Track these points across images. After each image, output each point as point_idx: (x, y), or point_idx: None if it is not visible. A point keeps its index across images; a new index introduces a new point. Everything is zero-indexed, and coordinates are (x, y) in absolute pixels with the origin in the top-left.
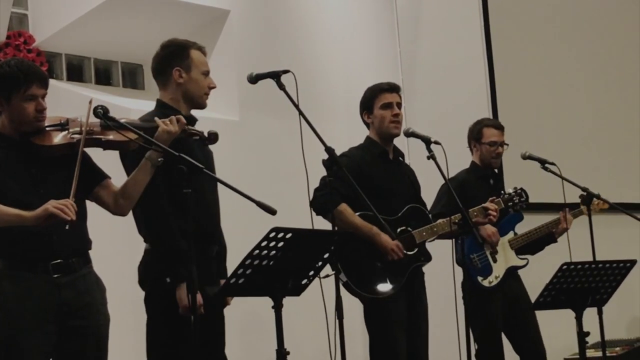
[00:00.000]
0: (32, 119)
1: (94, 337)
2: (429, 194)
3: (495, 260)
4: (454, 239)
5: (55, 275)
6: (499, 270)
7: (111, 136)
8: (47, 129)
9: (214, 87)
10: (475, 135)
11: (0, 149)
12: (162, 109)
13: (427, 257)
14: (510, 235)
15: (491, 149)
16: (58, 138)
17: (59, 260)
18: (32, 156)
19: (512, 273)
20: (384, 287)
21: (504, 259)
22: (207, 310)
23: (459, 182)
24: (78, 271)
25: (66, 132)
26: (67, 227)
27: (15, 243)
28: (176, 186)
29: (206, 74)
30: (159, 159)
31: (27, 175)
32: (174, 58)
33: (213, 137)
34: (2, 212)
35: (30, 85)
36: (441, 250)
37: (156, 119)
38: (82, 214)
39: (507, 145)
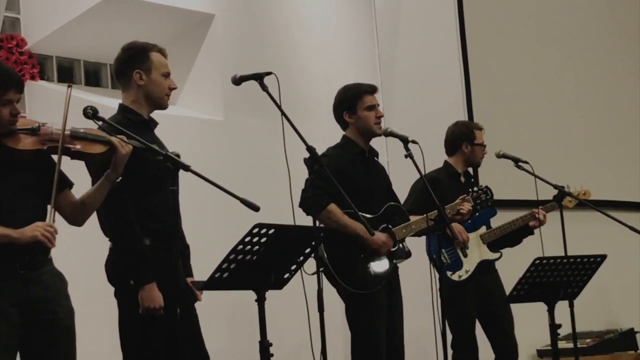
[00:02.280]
0: (6, 122)
1: (61, 329)
2: (405, 191)
3: (465, 255)
4: (426, 236)
5: (22, 272)
6: (469, 264)
7: (79, 146)
8: (19, 132)
9: (174, 88)
10: (467, 136)
11: None
12: (125, 113)
13: (407, 254)
14: (482, 229)
15: (482, 149)
16: (29, 143)
17: (26, 257)
18: (1, 157)
19: (487, 266)
20: (370, 282)
21: (477, 253)
22: (176, 306)
23: (430, 180)
24: (43, 267)
25: (37, 137)
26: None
27: None
28: (140, 188)
29: (166, 75)
30: (118, 179)
31: None
32: (135, 60)
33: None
34: None
35: (7, 91)
36: (419, 246)
37: (113, 139)
38: (45, 211)
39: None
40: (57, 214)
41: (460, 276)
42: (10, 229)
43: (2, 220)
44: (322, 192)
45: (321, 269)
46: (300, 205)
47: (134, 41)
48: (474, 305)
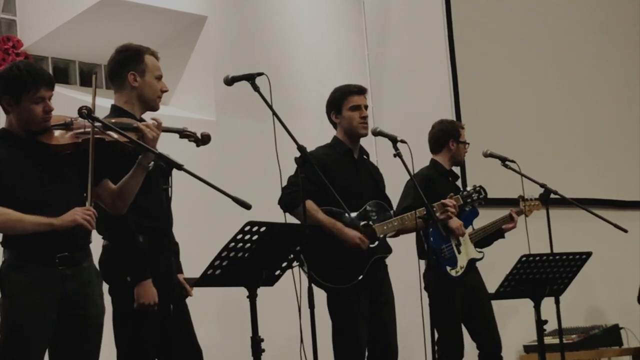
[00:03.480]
0: (40, 119)
1: (92, 327)
2: (395, 190)
3: (459, 252)
4: (417, 233)
5: (61, 268)
6: (462, 261)
7: (115, 136)
8: (53, 128)
9: (166, 91)
10: (454, 134)
11: (9, 147)
12: (118, 113)
13: (388, 250)
14: (469, 229)
15: (465, 147)
16: (64, 137)
17: (65, 253)
18: (39, 154)
19: (471, 265)
20: (346, 277)
21: (466, 251)
22: (169, 302)
23: (424, 178)
24: (81, 264)
25: (71, 131)
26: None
27: (25, 236)
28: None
29: (159, 78)
30: (150, 163)
31: (34, 172)
32: (129, 62)
33: (206, 139)
34: (35, 222)
35: (39, 88)
36: (407, 244)
37: (139, 124)
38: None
39: (468, 144)
40: (98, 203)
41: (457, 272)
42: (51, 218)
43: (45, 215)
44: (297, 189)
45: (298, 264)
46: (278, 202)
47: (128, 43)
48: (459, 303)
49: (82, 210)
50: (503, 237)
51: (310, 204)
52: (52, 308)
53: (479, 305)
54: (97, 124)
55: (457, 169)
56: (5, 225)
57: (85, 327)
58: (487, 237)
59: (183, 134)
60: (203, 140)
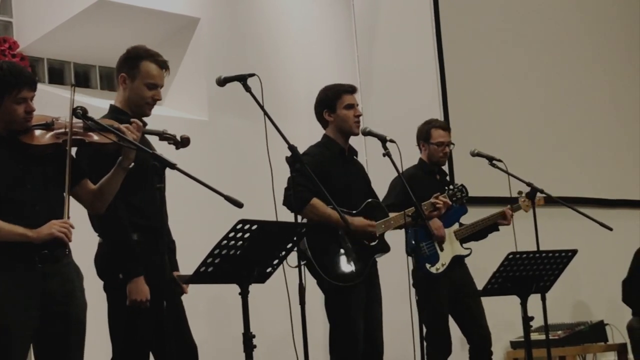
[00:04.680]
0: (22, 119)
1: (75, 322)
2: (384, 189)
3: (442, 249)
4: (405, 231)
5: (41, 265)
6: (445, 258)
7: (95, 137)
8: (34, 128)
9: (158, 99)
10: (424, 135)
11: None
12: (114, 114)
13: (387, 248)
14: (456, 226)
15: (439, 148)
16: (45, 138)
17: (45, 251)
18: (20, 153)
19: (458, 261)
20: (350, 275)
21: (450, 248)
22: (166, 299)
23: (408, 177)
24: (61, 261)
25: (52, 132)
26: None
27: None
28: (128, 186)
29: (150, 86)
30: (130, 165)
31: (15, 172)
32: (125, 65)
33: (185, 141)
34: (9, 231)
35: (21, 89)
36: (396, 241)
37: (121, 126)
38: (62, 208)
39: (454, 144)
40: (78, 203)
41: (437, 269)
42: (27, 229)
43: (25, 215)
44: (303, 188)
45: (303, 263)
46: (284, 203)
47: (137, 46)
48: (446, 299)
49: (59, 224)
50: (497, 229)
51: (317, 201)
52: (34, 305)
53: (467, 301)
54: (79, 124)
55: (445, 168)
56: None
57: (68, 323)
58: (481, 231)
59: (163, 136)
60: (182, 143)
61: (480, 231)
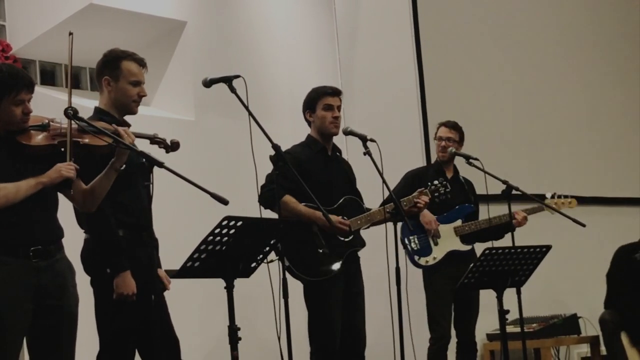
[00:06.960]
0: (19, 120)
1: (67, 316)
2: (364, 186)
3: (436, 244)
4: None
5: (35, 260)
6: (438, 252)
7: (87, 139)
8: (30, 129)
9: (144, 96)
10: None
11: None
12: (99, 115)
13: (362, 243)
14: (457, 223)
15: (439, 143)
16: (41, 139)
17: (38, 247)
18: (17, 153)
19: (461, 256)
20: (324, 270)
21: (447, 243)
22: (150, 294)
23: (415, 174)
24: (54, 256)
25: (48, 133)
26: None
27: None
28: (115, 184)
29: (134, 83)
30: (122, 166)
31: (12, 171)
32: (106, 67)
33: (175, 145)
34: (27, 186)
35: (20, 91)
36: (377, 236)
37: (119, 129)
38: (54, 205)
39: (456, 142)
40: (69, 201)
41: (427, 262)
42: (37, 177)
43: (18, 213)
44: (276, 186)
45: (278, 258)
46: (259, 200)
47: (113, 48)
48: (449, 289)
49: (65, 165)
50: (514, 229)
51: (289, 198)
52: (28, 298)
53: (465, 298)
54: (74, 125)
55: None
56: (5, 198)
57: (61, 317)
58: (496, 230)
59: (153, 140)
60: (172, 147)
61: (495, 231)
